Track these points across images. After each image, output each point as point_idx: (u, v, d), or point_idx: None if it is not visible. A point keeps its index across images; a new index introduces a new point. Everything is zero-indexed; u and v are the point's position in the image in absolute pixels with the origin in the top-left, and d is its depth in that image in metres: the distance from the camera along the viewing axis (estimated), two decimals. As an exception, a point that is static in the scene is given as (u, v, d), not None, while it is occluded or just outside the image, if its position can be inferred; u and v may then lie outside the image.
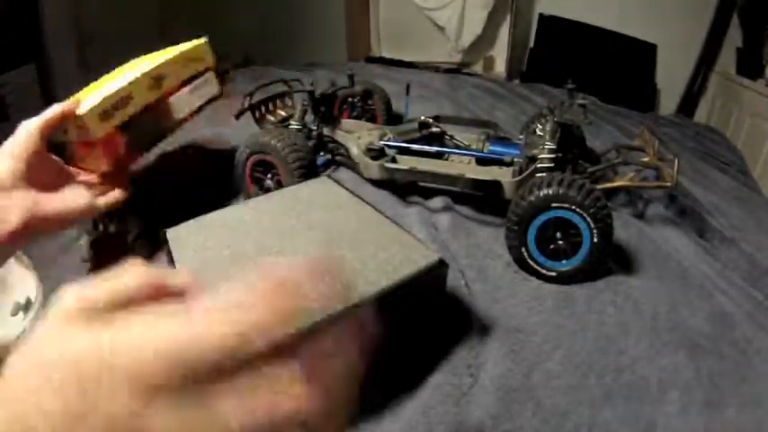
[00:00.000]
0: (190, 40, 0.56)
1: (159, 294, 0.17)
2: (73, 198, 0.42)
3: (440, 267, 0.37)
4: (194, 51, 0.54)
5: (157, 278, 0.17)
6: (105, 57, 1.14)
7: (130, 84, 0.47)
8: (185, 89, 0.53)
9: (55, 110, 0.41)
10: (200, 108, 0.56)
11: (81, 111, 0.43)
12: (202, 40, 0.55)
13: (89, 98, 0.46)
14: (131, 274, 0.17)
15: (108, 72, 0.55)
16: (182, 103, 0.53)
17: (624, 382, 0.38)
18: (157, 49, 0.56)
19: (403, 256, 0.36)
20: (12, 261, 0.46)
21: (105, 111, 0.45)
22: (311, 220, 0.40)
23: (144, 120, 0.48)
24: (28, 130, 0.40)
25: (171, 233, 0.40)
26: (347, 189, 0.46)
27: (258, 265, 0.32)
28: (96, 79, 0.53)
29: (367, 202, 0.44)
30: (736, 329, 0.44)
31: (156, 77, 0.49)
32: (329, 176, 0.50)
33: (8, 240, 0.36)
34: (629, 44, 1.65)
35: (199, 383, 0.14)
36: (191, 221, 0.42)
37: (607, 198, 0.46)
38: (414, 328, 0.38)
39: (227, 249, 0.38)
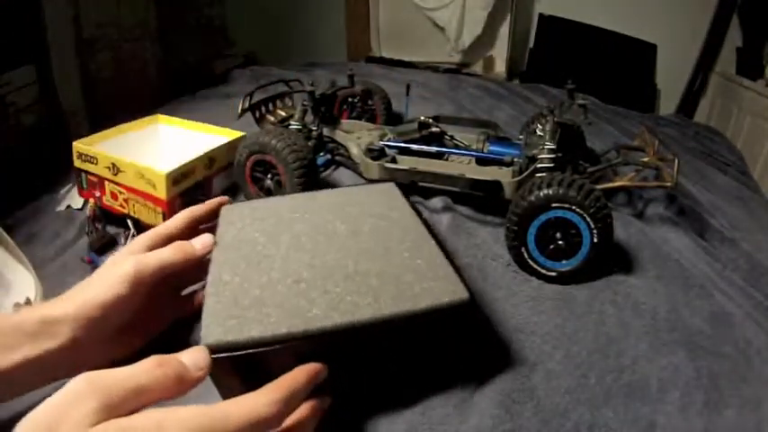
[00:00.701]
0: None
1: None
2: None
3: (466, 306, 0.33)
4: (235, 142, 0.62)
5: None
6: (105, 57, 1.14)
7: (194, 161, 0.55)
8: (224, 173, 0.61)
9: (174, 256, 0.35)
10: (228, 186, 0.63)
11: (164, 170, 0.51)
12: (243, 133, 0.64)
13: (159, 162, 0.53)
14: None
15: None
16: (219, 183, 0.61)
17: (624, 382, 0.38)
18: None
19: (428, 286, 0.33)
20: (11, 261, 0.46)
21: (176, 177, 0.52)
22: (356, 227, 0.39)
23: (194, 191, 0.56)
24: (138, 263, 0.33)
25: (225, 209, 0.42)
26: (410, 201, 0.44)
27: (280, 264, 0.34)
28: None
29: (424, 220, 0.41)
30: (736, 329, 0.44)
31: (210, 159, 0.58)
32: (396, 184, 0.47)
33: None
34: (629, 44, 1.65)
35: None
36: (246, 202, 0.44)
37: (607, 198, 0.46)
38: (425, 354, 0.36)
39: (264, 237, 0.38)
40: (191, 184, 0.55)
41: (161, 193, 0.51)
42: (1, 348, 0.28)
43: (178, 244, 0.36)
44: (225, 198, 0.43)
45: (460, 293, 0.33)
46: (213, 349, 0.28)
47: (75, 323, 0.30)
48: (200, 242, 0.37)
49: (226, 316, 0.31)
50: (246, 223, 0.40)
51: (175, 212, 0.51)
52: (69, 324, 0.30)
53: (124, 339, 0.35)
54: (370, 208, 0.42)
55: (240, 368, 0.30)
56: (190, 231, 0.39)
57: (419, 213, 0.42)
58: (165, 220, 0.50)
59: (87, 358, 0.31)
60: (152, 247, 0.36)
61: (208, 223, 0.41)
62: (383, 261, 0.35)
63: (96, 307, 0.31)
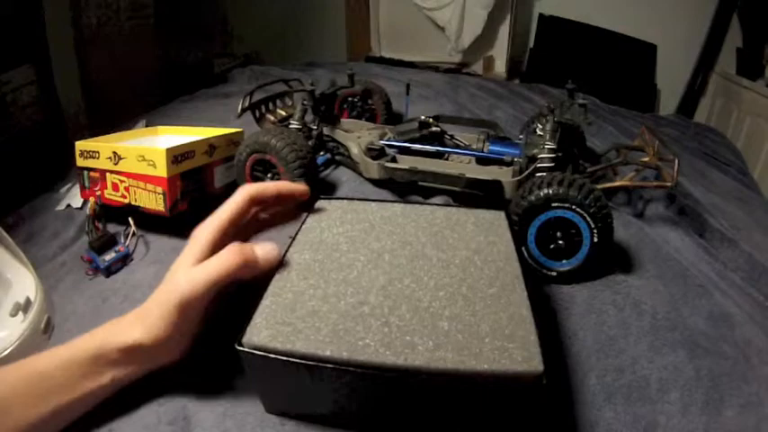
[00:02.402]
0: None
1: None
2: None
3: (534, 383, 0.28)
4: (235, 136, 0.63)
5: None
6: (105, 57, 1.14)
7: (194, 143, 0.55)
8: (225, 164, 0.61)
9: (228, 267, 0.33)
10: (228, 185, 0.62)
11: (164, 147, 0.50)
12: (240, 129, 0.65)
13: (159, 141, 0.55)
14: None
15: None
16: (221, 175, 0.61)
17: (624, 382, 0.38)
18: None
19: (500, 346, 0.29)
20: (11, 260, 0.46)
21: (176, 156, 0.52)
22: (447, 257, 0.36)
23: (195, 177, 0.56)
24: (209, 278, 0.32)
25: (319, 203, 0.42)
26: (514, 236, 0.40)
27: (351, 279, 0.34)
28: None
29: (522, 260, 0.37)
30: (736, 329, 0.44)
31: (210, 145, 0.58)
32: (501, 212, 0.44)
33: None
34: (629, 44, 1.65)
35: None
36: (342, 201, 0.42)
37: (607, 198, 0.46)
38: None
39: (347, 244, 0.37)
40: (191, 167, 0.55)
41: (161, 170, 0.51)
42: (89, 375, 0.32)
43: (236, 250, 0.33)
44: (304, 188, 0.39)
45: (534, 365, 0.28)
46: (253, 349, 0.29)
47: (149, 349, 0.33)
48: (263, 252, 0.34)
49: (277, 321, 0.30)
50: (334, 224, 0.38)
51: (176, 193, 0.52)
52: (145, 351, 0.33)
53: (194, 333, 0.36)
54: (470, 238, 0.39)
55: (274, 368, 0.30)
56: (250, 211, 0.38)
57: (520, 252, 0.38)
58: (166, 201, 0.51)
59: (165, 360, 0.35)
60: (215, 245, 0.34)
61: (270, 207, 0.40)
62: (462, 303, 0.32)
63: (160, 336, 0.33)
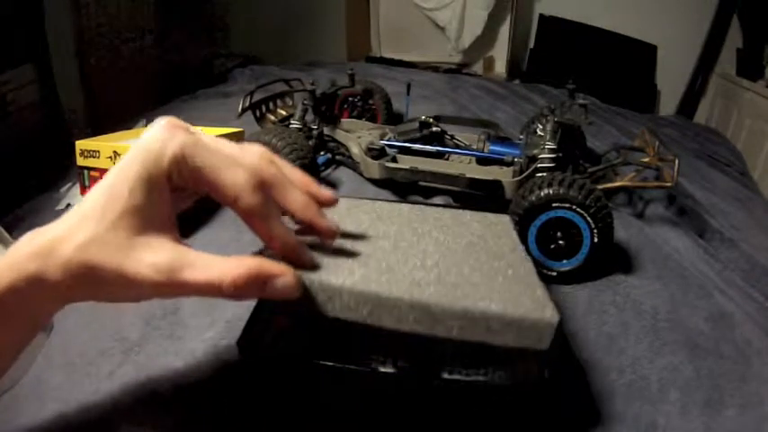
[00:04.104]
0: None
1: None
2: None
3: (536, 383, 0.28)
4: (236, 135, 0.63)
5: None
6: (105, 57, 1.14)
7: None
8: None
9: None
10: None
11: None
12: (241, 129, 0.65)
13: None
14: None
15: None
16: None
17: (624, 382, 0.38)
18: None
19: (509, 296, 0.28)
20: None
21: None
22: (453, 239, 0.35)
23: None
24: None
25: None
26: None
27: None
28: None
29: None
30: (736, 330, 0.44)
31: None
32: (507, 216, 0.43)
33: None
34: (629, 44, 1.65)
35: None
36: (347, 198, 0.40)
37: (607, 198, 0.46)
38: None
39: (353, 226, 0.34)
40: None
41: None
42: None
43: (249, 268, 0.23)
44: (331, 197, 0.31)
45: (549, 314, 0.28)
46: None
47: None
48: (284, 283, 0.24)
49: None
50: (338, 213, 0.36)
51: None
52: None
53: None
54: (476, 230, 0.38)
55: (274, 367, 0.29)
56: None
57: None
58: None
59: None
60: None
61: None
62: (471, 268, 0.31)
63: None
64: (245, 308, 0.33)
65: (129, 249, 0.22)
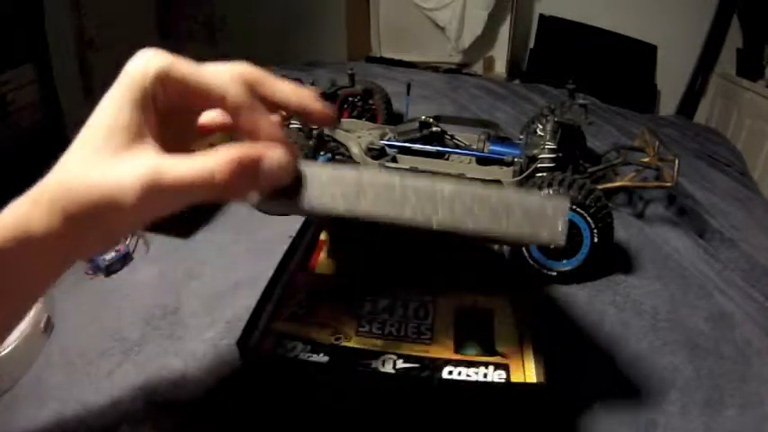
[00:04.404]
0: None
1: None
2: None
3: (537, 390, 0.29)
4: (236, 135, 0.60)
5: None
6: (105, 57, 1.14)
7: (196, 142, 0.52)
8: None
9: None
10: None
11: None
12: None
13: None
14: None
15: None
16: None
17: (624, 382, 0.38)
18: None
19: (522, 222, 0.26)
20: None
21: None
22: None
23: None
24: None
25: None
26: None
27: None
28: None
29: None
30: (736, 330, 0.44)
31: (210, 145, 0.54)
32: None
33: None
34: (629, 44, 1.65)
35: None
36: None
37: (607, 198, 0.46)
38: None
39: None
40: None
41: None
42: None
43: (234, 158, 0.22)
44: (326, 112, 0.26)
45: (557, 237, 0.26)
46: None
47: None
48: (271, 164, 0.22)
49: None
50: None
51: None
52: None
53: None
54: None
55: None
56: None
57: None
58: None
59: None
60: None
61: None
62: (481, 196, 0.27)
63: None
64: (245, 308, 0.33)
65: (112, 166, 0.20)
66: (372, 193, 0.25)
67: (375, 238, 0.42)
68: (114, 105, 0.21)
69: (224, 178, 0.21)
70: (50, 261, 0.22)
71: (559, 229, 0.27)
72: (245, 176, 0.22)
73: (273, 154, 0.22)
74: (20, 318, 0.24)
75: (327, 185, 0.25)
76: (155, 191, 0.20)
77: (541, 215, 0.27)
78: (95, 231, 0.21)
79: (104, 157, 0.21)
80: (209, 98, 0.22)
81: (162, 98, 0.22)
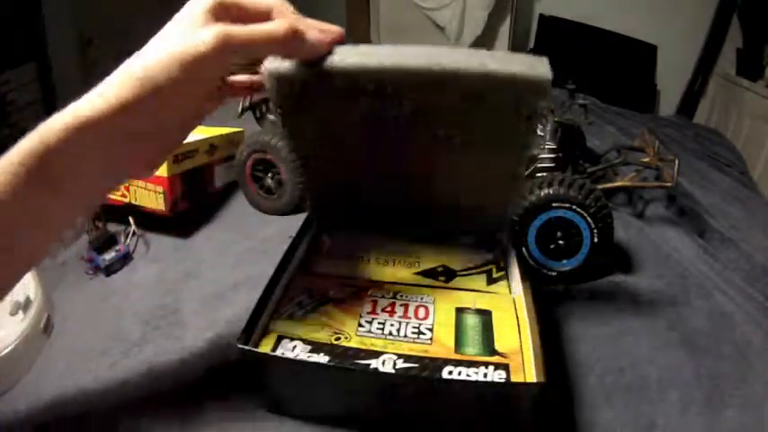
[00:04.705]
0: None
1: None
2: None
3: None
4: (236, 135, 0.64)
5: None
6: (105, 57, 1.14)
7: (194, 142, 0.55)
8: (225, 164, 0.62)
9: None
10: (228, 185, 0.64)
11: None
12: (241, 129, 0.65)
13: None
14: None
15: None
16: (221, 174, 0.62)
17: (624, 382, 0.38)
18: None
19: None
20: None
21: (177, 155, 0.52)
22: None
23: (196, 177, 0.56)
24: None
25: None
26: None
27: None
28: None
29: None
30: (736, 329, 0.44)
31: (211, 145, 0.59)
32: None
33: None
34: (629, 44, 1.65)
35: None
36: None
37: (607, 198, 0.46)
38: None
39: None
40: (191, 167, 0.55)
41: (161, 170, 0.51)
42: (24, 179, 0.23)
43: (284, 20, 0.27)
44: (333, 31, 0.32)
45: (543, 73, 0.31)
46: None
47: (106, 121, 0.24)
48: (315, 34, 0.30)
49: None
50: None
51: (176, 192, 0.53)
52: (99, 125, 0.24)
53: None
54: None
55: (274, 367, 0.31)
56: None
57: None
58: (166, 200, 0.51)
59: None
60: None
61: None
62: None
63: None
64: (245, 308, 0.33)
65: (191, 34, 0.24)
66: (383, 52, 0.31)
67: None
68: (184, 21, 0.25)
69: (279, 36, 0.26)
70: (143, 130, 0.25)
71: (546, 66, 0.32)
72: (295, 39, 0.27)
73: (313, 33, 0.29)
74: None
75: (348, 52, 0.31)
76: (228, 44, 0.24)
77: (528, 59, 0.32)
78: (181, 94, 0.25)
79: (183, 33, 0.25)
80: (258, 13, 0.27)
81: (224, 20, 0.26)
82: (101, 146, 0.24)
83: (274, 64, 0.31)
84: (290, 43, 0.27)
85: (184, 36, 0.24)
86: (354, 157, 0.39)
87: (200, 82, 0.26)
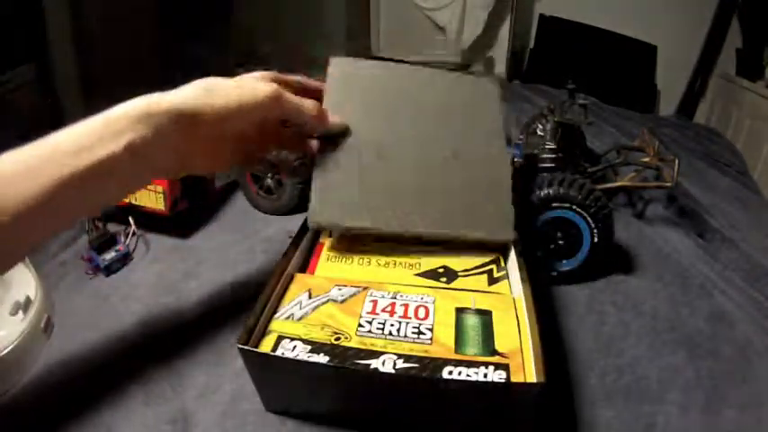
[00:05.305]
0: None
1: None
2: None
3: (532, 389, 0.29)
4: None
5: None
6: (105, 57, 1.13)
7: None
8: None
9: (310, 109, 0.37)
10: (228, 185, 0.64)
11: None
12: None
13: None
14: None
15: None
16: (221, 174, 0.62)
17: (624, 382, 0.38)
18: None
19: (480, 220, 0.40)
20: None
21: None
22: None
23: (196, 177, 0.56)
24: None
25: (334, 60, 0.48)
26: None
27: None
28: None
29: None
30: (736, 329, 0.44)
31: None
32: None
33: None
34: (629, 45, 1.65)
35: None
36: (359, 61, 0.49)
37: (607, 198, 0.46)
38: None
39: (375, 95, 0.43)
40: None
41: None
42: (100, 140, 0.28)
43: (318, 105, 0.38)
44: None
45: (508, 234, 0.41)
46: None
47: (198, 109, 0.32)
48: (334, 119, 0.40)
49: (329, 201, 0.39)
50: (353, 78, 0.46)
51: (176, 192, 0.53)
52: (165, 117, 0.31)
53: (221, 154, 0.36)
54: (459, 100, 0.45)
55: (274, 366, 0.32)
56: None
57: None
58: (166, 200, 0.51)
59: (195, 147, 0.33)
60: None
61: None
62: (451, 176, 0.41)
63: (228, 103, 0.33)
64: (245, 308, 0.33)
65: (251, 85, 0.35)
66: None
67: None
68: (251, 78, 0.37)
69: (311, 113, 0.37)
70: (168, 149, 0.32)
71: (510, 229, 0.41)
72: (320, 118, 0.38)
73: (333, 119, 0.40)
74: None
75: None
76: (277, 102, 0.35)
77: (498, 218, 0.42)
78: (208, 127, 0.32)
79: (249, 83, 0.35)
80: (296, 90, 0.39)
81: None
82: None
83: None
84: (313, 120, 0.38)
85: (249, 84, 0.34)
86: None
87: (252, 121, 0.35)
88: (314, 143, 0.42)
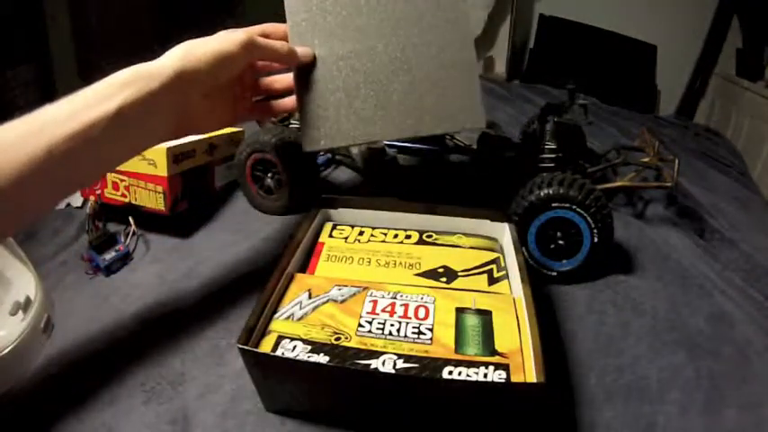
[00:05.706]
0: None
1: None
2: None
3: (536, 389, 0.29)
4: (236, 135, 0.64)
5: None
6: (105, 57, 1.13)
7: (195, 141, 0.56)
8: (225, 164, 0.62)
9: (282, 49, 0.40)
10: (228, 185, 0.64)
11: (164, 146, 0.51)
12: (241, 128, 0.66)
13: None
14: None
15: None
16: (221, 174, 0.62)
17: (624, 382, 0.38)
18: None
19: (448, 112, 0.41)
20: (11, 259, 0.46)
21: (177, 155, 0.52)
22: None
23: (196, 177, 0.56)
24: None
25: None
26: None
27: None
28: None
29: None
30: (736, 329, 0.44)
31: (210, 145, 0.59)
32: None
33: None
34: (629, 45, 1.65)
35: None
36: None
37: (607, 198, 0.46)
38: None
39: (334, 16, 0.43)
40: (191, 166, 0.55)
41: (161, 169, 0.51)
42: (94, 103, 0.30)
43: (287, 44, 0.41)
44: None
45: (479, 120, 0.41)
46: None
47: (182, 65, 0.33)
48: (302, 51, 0.42)
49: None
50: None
51: (176, 192, 0.53)
52: (158, 75, 0.32)
53: (218, 107, 0.39)
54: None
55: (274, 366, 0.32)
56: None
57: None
58: (166, 200, 0.51)
59: (188, 105, 0.35)
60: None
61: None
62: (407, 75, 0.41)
63: (208, 55, 0.34)
64: (245, 308, 0.33)
65: (224, 38, 0.36)
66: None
67: None
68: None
69: (284, 54, 0.40)
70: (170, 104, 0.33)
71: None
72: (290, 54, 0.41)
73: (300, 51, 0.42)
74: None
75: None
76: (251, 46, 0.37)
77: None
78: (203, 77, 0.34)
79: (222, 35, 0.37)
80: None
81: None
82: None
83: None
84: (287, 58, 0.41)
85: (224, 35, 0.36)
86: None
87: (236, 67, 0.37)
88: (284, 102, 0.45)
